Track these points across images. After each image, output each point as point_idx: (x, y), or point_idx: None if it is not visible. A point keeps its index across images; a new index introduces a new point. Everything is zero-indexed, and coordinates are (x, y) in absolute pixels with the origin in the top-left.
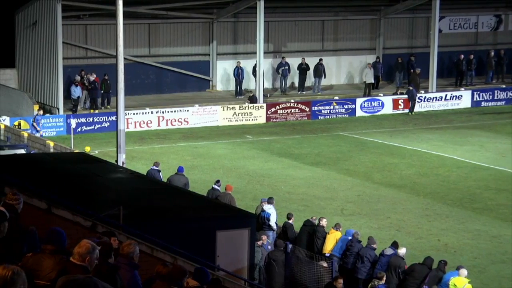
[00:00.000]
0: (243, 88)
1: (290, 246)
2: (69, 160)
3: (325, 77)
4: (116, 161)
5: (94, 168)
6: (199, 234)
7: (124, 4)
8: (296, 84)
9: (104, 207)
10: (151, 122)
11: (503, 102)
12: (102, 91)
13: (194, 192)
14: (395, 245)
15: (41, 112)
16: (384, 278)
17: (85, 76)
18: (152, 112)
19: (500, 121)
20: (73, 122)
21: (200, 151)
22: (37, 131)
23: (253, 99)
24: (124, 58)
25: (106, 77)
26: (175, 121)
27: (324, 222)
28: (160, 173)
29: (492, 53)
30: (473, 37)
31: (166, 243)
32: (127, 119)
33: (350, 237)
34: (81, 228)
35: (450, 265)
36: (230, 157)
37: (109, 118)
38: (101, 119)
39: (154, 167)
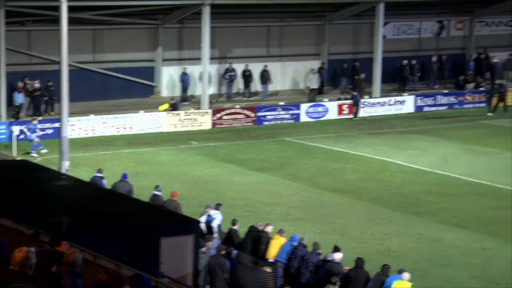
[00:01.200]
0: (189, 94)
1: (234, 252)
2: (11, 168)
3: (271, 83)
4: (60, 168)
5: (37, 175)
6: (143, 241)
7: (68, 10)
8: (243, 90)
9: (47, 215)
10: (95, 129)
11: (445, 107)
12: (45, 98)
13: (138, 199)
14: (336, 250)
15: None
16: (338, 283)
17: (28, 82)
18: (96, 119)
19: (442, 125)
20: (15, 129)
21: (145, 157)
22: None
23: (174, 106)
24: (68, 65)
25: (50, 84)
26: (120, 127)
27: (269, 228)
28: (104, 180)
29: (435, 59)
30: (416, 43)
31: (109, 250)
32: (71, 125)
33: (294, 243)
34: (24, 237)
35: (393, 269)
36: (175, 163)
37: (53, 125)
38: (44, 125)
39: (98, 174)
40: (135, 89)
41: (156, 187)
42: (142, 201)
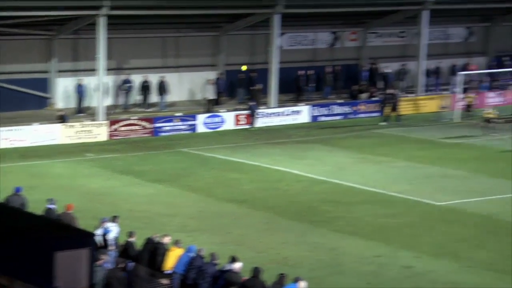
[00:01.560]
0: (85, 105)
1: (130, 264)
2: None
3: (168, 94)
4: None
5: None
6: (37, 255)
7: None
8: (140, 101)
9: None
10: None
11: (340, 117)
12: None
13: (32, 213)
14: (233, 261)
15: None
16: None
17: None
18: None
19: (337, 135)
20: None
21: (39, 170)
22: None
23: (63, 118)
24: None
25: None
26: (14, 140)
27: (166, 240)
28: None
29: (329, 69)
30: (311, 54)
31: (2, 265)
32: None
33: (191, 254)
34: None
35: (290, 277)
36: (70, 176)
37: None
38: None
39: None
40: (29, 101)
41: (50, 201)
42: (36, 214)
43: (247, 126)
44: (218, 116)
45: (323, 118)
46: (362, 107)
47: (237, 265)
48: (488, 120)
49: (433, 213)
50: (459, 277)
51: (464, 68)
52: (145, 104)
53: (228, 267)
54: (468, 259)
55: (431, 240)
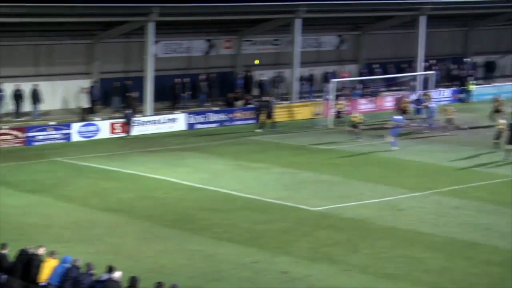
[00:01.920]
0: None
1: (3, 277)
2: None
3: (41, 103)
4: None
5: None
6: None
7: None
8: (13, 110)
9: None
10: None
11: (216, 124)
12: None
13: None
14: (110, 270)
15: None
16: None
17: None
18: None
19: (213, 142)
20: None
21: None
22: None
23: None
24: None
25: None
26: None
27: (41, 251)
28: None
29: (203, 77)
30: (186, 61)
31: None
32: None
33: (67, 264)
34: None
35: (167, 286)
36: None
37: None
38: None
39: None
40: None
41: None
42: None
43: (123, 135)
44: (93, 124)
45: (199, 126)
46: (238, 115)
47: (116, 274)
48: (354, 125)
49: (309, 219)
50: (336, 281)
51: (337, 75)
52: (17, 113)
53: (105, 277)
54: (344, 263)
55: (307, 245)
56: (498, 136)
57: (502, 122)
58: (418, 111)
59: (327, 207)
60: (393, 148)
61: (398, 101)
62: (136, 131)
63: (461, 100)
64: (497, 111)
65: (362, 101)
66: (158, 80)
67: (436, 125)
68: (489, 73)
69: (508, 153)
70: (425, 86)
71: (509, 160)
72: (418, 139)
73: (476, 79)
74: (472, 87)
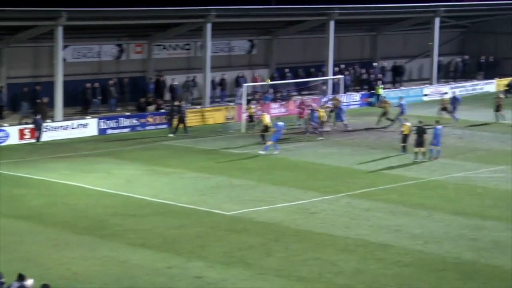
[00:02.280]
0: None
1: None
2: None
3: None
4: None
5: None
6: None
7: None
8: None
9: None
10: None
11: (128, 129)
12: None
13: None
14: (21, 278)
15: None
16: None
17: None
18: None
19: (126, 147)
20: None
21: None
22: None
23: None
24: None
25: None
26: None
27: None
28: None
29: (112, 82)
30: (97, 66)
31: None
32: None
33: None
34: None
35: None
36: None
37: None
38: None
39: None
40: None
41: None
42: None
43: (32, 141)
44: (1, 130)
45: (111, 131)
46: (150, 119)
47: (28, 282)
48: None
49: (222, 223)
50: (251, 285)
51: (248, 80)
52: None
53: (16, 285)
54: (258, 267)
55: (221, 249)
56: (404, 139)
57: (407, 125)
58: (338, 116)
59: (241, 211)
60: (261, 152)
61: (299, 106)
62: (46, 137)
63: (370, 104)
64: (384, 113)
65: (273, 105)
66: (68, 85)
67: (343, 127)
68: (397, 77)
69: (416, 155)
70: (336, 91)
71: (418, 163)
72: (328, 141)
73: (384, 83)
74: (381, 91)
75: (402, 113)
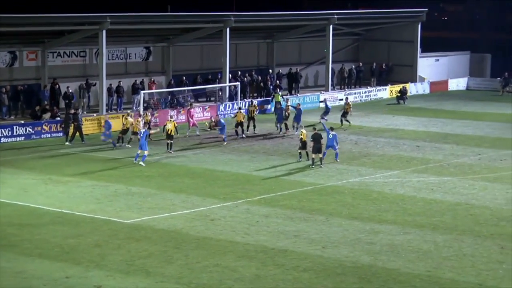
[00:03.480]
0: None
1: None
2: None
3: None
4: None
5: None
6: None
7: None
8: None
9: None
10: None
11: (23, 138)
12: None
13: None
14: None
15: None
16: None
17: None
18: None
19: (20, 156)
20: None
21: None
22: None
23: None
24: None
25: None
26: None
27: None
28: None
29: (6, 89)
30: None
31: None
32: None
33: None
34: None
35: None
36: None
37: None
38: None
39: None
40: None
41: None
42: None
43: None
44: None
45: (4, 140)
46: (45, 127)
47: None
48: (169, 136)
49: (121, 231)
50: None
51: (145, 87)
52: None
53: None
54: (158, 275)
55: (121, 257)
56: (303, 145)
57: (303, 132)
58: (279, 118)
59: (140, 219)
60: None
61: (187, 113)
62: None
63: (264, 111)
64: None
65: (171, 112)
66: None
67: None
68: (293, 83)
69: (313, 161)
70: (232, 97)
71: (315, 168)
72: (226, 148)
73: (281, 89)
74: (279, 98)
75: (326, 112)
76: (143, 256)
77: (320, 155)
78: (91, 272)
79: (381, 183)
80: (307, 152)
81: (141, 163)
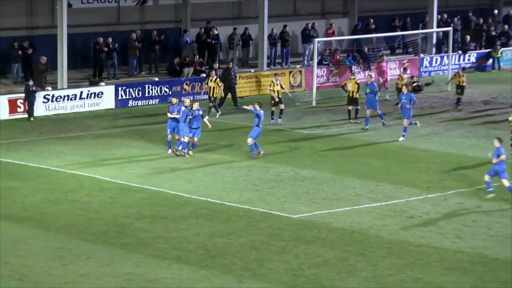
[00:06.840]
0: None
1: None
2: None
3: None
4: None
5: None
6: None
7: None
8: None
9: None
10: None
11: (157, 100)
12: None
13: None
14: None
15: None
16: None
17: None
18: None
19: (153, 126)
20: None
21: None
22: None
23: None
24: None
25: None
26: None
27: None
28: None
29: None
30: (114, 13)
31: None
32: None
33: None
34: None
35: None
36: None
37: None
38: None
39: None
40: None
41: None
42: None
43: (25, 116)
44: None
45: (132, 103)
46: (186, 87)
47: None
48: None
49: (286, 229)
50: None
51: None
52: None
53: None
54: None
55: (286, 265)
56: None
57: None
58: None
59: (312, 213)
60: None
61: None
62: (45, 110)
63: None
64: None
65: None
66: (74, 40)
67: None
68: None
69: None
70: (440, 48)
71: None
72: (431, 119)
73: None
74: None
75: None
76: (315, 264)
77: None
78: (245, 283)
79: None
80: None
81: (184, 152)
